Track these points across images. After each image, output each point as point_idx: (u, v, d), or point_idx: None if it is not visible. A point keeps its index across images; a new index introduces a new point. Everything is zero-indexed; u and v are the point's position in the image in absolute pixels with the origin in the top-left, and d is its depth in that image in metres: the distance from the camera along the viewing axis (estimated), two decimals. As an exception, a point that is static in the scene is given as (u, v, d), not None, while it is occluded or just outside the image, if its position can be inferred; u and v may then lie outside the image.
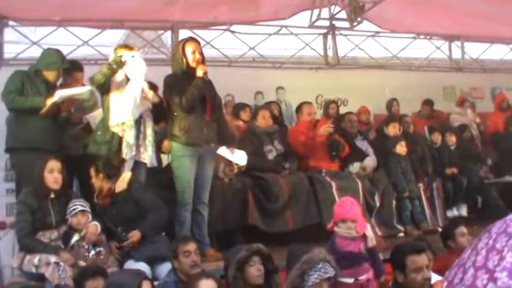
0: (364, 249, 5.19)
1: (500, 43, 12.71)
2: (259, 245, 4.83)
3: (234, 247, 5.09)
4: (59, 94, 6.12)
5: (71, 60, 7.12)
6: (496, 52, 12.89)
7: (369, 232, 5.36)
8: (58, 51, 6.65)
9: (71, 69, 6.91)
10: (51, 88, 6.30)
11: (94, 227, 5.43)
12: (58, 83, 6.60)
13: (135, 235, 5.54)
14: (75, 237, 5.36)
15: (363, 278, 5.10)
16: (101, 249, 5.39)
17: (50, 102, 6.09)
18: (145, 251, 5.51)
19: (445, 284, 2.99)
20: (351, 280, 4.91)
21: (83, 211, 5.48)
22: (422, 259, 4.39)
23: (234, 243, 6.04)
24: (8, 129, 6.55)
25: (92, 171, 5.83)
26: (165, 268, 5.32)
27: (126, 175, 5.90)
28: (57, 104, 6.17)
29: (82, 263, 5.20)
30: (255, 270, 4.69)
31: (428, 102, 10.60)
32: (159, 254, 5.50)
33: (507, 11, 10.18)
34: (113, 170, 5.83)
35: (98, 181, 5.81)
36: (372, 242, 5.24)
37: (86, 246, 5.35)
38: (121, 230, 5.63)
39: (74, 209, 5.45)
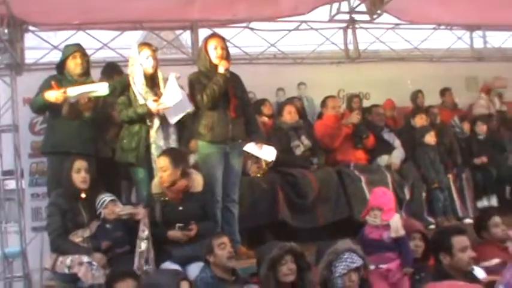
0: (388, 238, 5.33)
1: (522, 31, 12.57)
2: (292, 244, 4.83)
3: (266, 244, 5.12)
4: (70, 92, 6.00)
5: (111, 63, 7.11)
6: (519, 41, 12.75)
7: (394, 222, 5.46)
8: (75, 43, 6.72)
9: (112, 71, 6.88)
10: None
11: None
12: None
13: (194, 229, 5.58)
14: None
15: (384, 266, 5.15)
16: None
17: (56, 97, 5.98)
18: (180, 251, 5.49)
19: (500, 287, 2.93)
20: (372, 267, 4.99)
21: (112, 200, 5.52)
22: (466, 239, 4.36)
23: (264, 240, 6.07)
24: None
25: (167, 161, 5.74)
26: (194, 268, 5.34)
27: (199, 177, 5.94)
28: (74, 104, 6.10)
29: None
30: (287, 269, 4.67)
31: (443, 92, 10.46)
32: (195, 254, 5.47)
33: (529, -3, 10.05)
34: (187, 167, 5.87)
35: (173, 174, 5.73)
36: (396, 232, 5.37)
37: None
38: (179, 228, 5.60)
39: (104, 201, 5.46)
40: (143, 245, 5.25)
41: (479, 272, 4.86)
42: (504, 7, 10.38)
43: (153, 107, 5.95)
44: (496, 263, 5.46)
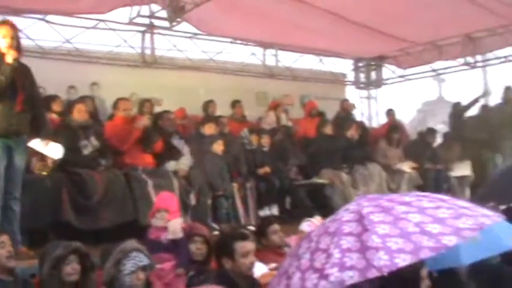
0: (165, 239, 5.52)
1: (311, 53, 13.39)
2: (77, 244, 4.69)
3: (50, 244, 4.93)
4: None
5: None
6: (307, 62, 13.57)
7: (173, 225, 5.62)
8: None
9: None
10: None
11: None
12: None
13: None
14: None
15: (159, 266, 5.25)
16: None
17: None
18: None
19: None
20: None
21: None
22: (249, 244, 4.51)
23: (46, 241, 5.82)
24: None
25: None
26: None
27: None
28: None
29: None
30: (71, 269, 4.55)
31: (234, 104, 10.83)
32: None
33: (318, 23, 10.74)
34: None
35: None
36: (173, 234, 5.57)
37: None
38: None
39: None
40: None
41: (260, 268, 5.04)
42: (296, 29, 11.02)
43: None
44: (274, 267, 5.73)
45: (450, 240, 2.61)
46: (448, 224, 2.70)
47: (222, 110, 10.59)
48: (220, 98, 10.69)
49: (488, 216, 2.85)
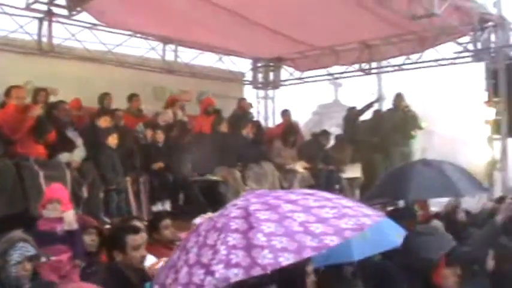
0: (61, 230, 5.46)
1: (211, 51, 13.47)
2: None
3: None
4: None
5: None
6: (207, 59, 13.64)
7: (68, 216, 5.57)
8: None
9: None
10: None
11: None
12: None
13: None
14: None
15: (54, 258, 5.21)
16: None
17: None
18: None
19: (156, 287, 3.11)
20: (43, 259, 4.94)
21: None
22: (141, 238, 4.56)
23: None
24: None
25: None
26: None
27: None
28: None
29: None
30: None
31: (131, 98, 10.76)
32: None
33: (219, 21, 10.84)
34: None
35: None
36: (69, 225, 5.52)
37: None
38: None
39: None
40: None
41: (151, 261, 5.06)
42: (197, 26, 11.07)
43: None
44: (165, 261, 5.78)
45: (332, 241, 2.76)
46: (331, 224, 2.85)
47: (119, 103, 10.50)
48: (117, 91, 10.58)
49: (369, 216, 3.03)
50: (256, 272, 2.65)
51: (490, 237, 5.49)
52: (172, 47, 12.85)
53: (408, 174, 6.82)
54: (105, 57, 11.76)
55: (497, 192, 11.05)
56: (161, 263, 3.13)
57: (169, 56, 12.87)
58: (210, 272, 2.72)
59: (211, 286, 2.70)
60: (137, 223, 5.47)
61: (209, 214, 6.60)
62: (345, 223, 2.88)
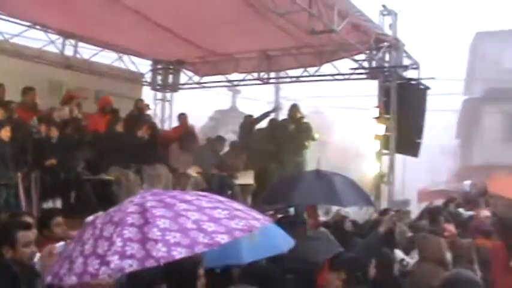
0: None
1: (111, 50, 13.36)
2: None
3: None
4: None
5: None
6: (107, 57, 13.51)
7: None
8: None
9: None
10: None
11: None
12: None
13: None
14: None
15: None
16: None
17: None
18: None
19: (49, 278, 3.14)
20: None
21: None
22: (31, 234, 4.56)
23: None
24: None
25: None
26: None
27: None
28: None
29: None
30: None
31: (26, 91, 10.43)
32: None
33: (122, 19, 10.79)
34: None
35: None
36: None
37: None
38: None
39: None
40: None
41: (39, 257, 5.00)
42: (99, 23, 10.97)
43: None
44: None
45: (223, 239, 2.94)
46: (222, 224, 3.04)
47: (14, 95, 10.19)
48: (12, 83, 10.27)
49: (258, 220, 3.25)
50: (150, 263, 2.79)
51: (372, 246, 5.80)
52: (72, 42, 12.67)
53: (298, 181, 7.13)
54: (1, 47, 11.41)
55: (384, 205, 11.60)
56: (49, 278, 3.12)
57: (69, 51, 12.69)
58: (105, 262, 2.83)
59: (105, 275, 2.81)
60: (27, 219, 5.40)
61: (101, 213, 6.61)
62: (235, 223, 3.07)
